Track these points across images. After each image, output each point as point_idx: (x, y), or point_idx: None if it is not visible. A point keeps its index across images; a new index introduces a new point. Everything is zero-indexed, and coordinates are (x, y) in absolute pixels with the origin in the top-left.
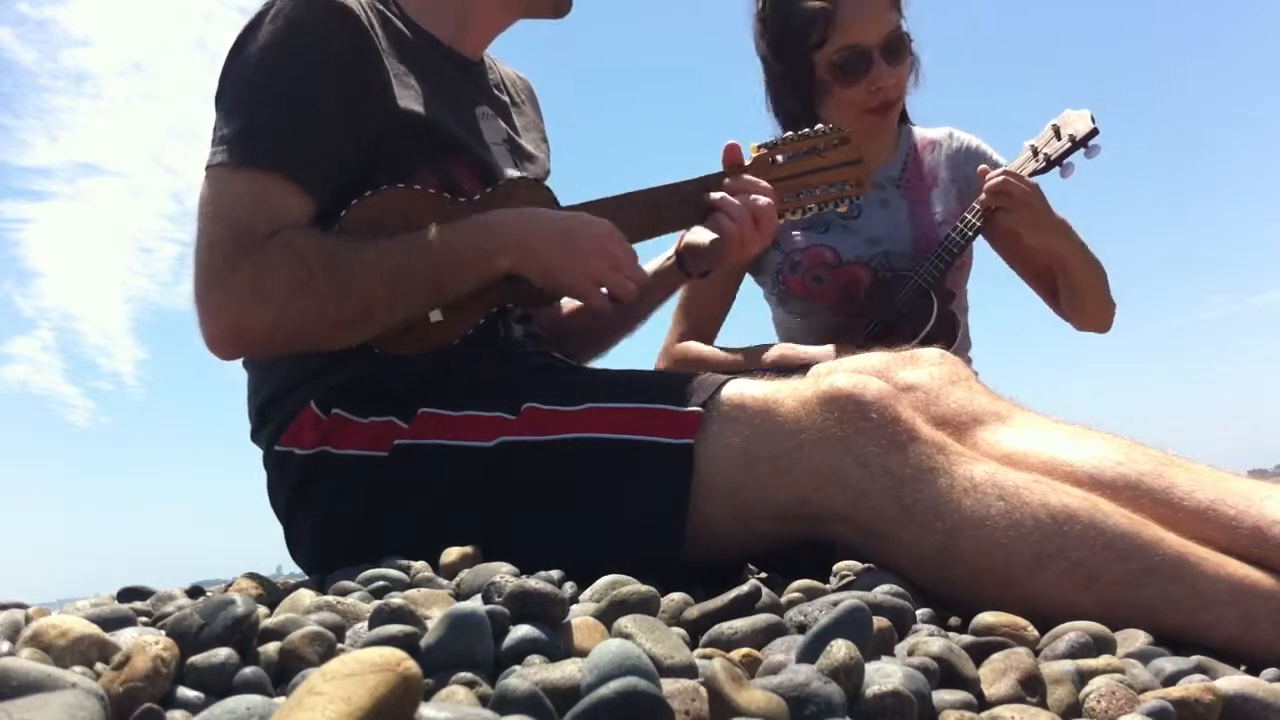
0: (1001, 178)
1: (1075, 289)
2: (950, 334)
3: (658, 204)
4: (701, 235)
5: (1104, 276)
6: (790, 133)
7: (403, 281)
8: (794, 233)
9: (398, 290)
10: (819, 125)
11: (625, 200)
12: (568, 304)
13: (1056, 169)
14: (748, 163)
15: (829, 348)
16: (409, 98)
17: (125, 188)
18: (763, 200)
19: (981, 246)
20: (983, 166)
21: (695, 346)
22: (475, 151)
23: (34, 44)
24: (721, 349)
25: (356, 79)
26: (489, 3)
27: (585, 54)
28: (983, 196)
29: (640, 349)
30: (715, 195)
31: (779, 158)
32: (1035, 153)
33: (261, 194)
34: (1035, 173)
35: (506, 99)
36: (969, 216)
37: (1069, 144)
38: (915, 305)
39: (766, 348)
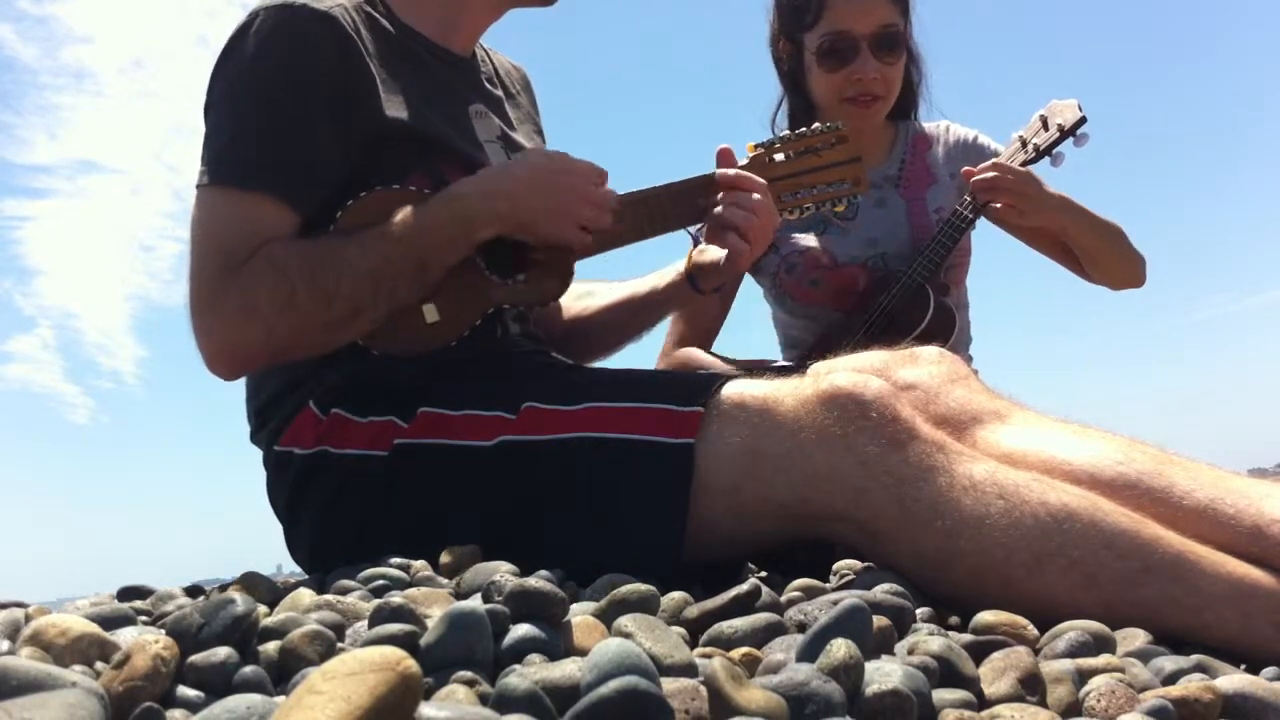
0: (990, 171)
1: (1092, 257)
2: (948, 328)
3: (653, 204)
4: (711, 253)
5: (1118, 235)
6: (787, 132)
7: (385, 276)
8: (792, 235)
9: (381, 285)
10: (815, 125)
11: (624, 200)
12: (568, 309)
13: (1046, 159)
14: (744, 163)
15: None
16: (396, 103)
17: (126, 185)
18: (756, 196)
19: (981, 243)
20: (965, 169)
21: (696, 354)
22: (466, 152)
23: (34, 41)
24: (721, 358)
25: (342, 88)
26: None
27: (586, 50)
28: (975, 192)
29: (641, 349)
30: (719, 206)
31: (776, 157)
32: (1024, 144)
33: (247, 214)
34: (1025, 163)
35: (500, 92)
36: (961, 209)
37: (1057, 133)
38: (911, 300)
39: (766, 363)
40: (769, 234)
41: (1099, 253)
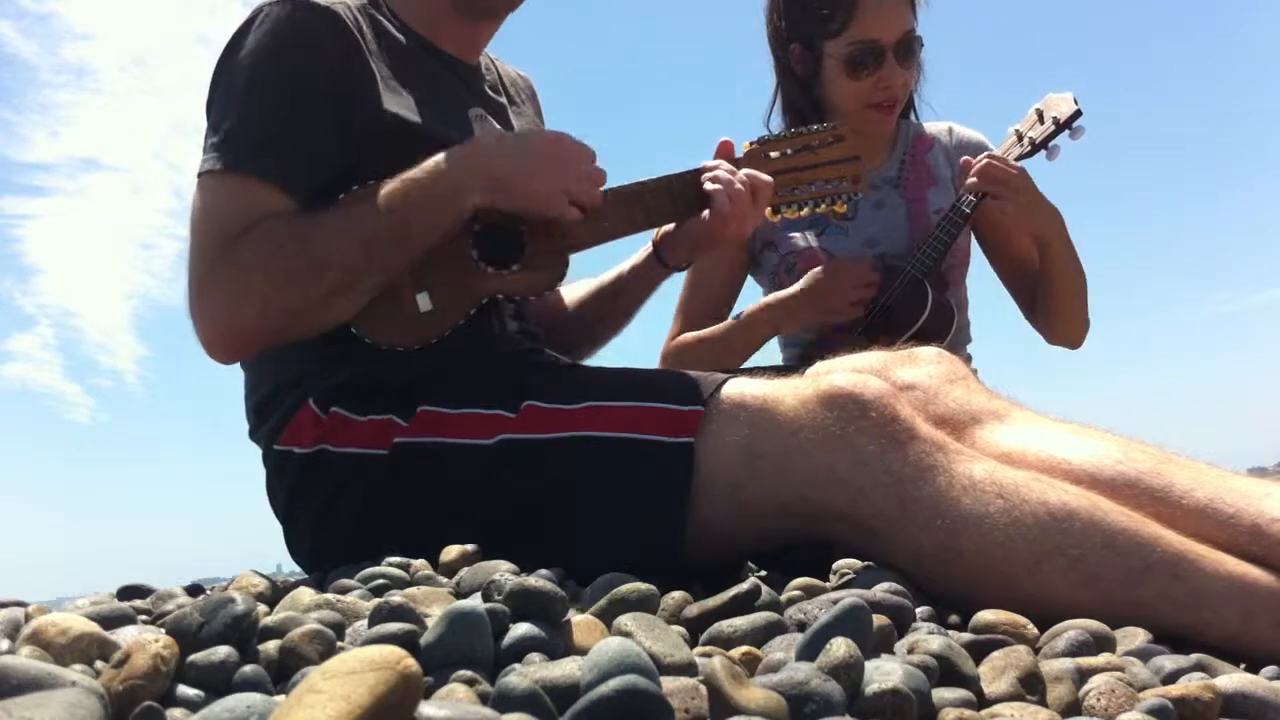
0: (986, 162)
1: (1055, 288)
2: (945, 325)
3: (650, 196)
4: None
5: (1084, 284)
6: (785, 130)
7: (376, 242)
8: (790, 235)
9: (372, 251)
10: (814, 125)
11: (618, 193)
12: (556, 300)
13: (1042, 152)
14: (740, 158)
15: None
16: (396, 102)
17: (126, 183)
18: (763, 176)
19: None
20: (965, 158)
21: (689, 334)
22: None
23: (35, 38)
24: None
25: (343, 84)
26: (450, 12)
27: (592, 53)
28: (971, 181)
29: (641, 348)
30: (709, 174)
31: (772, 154)
32: (1020, 137)
33: (245, 199)
34: (1021, 157)
35: (504, 100)
36: (959, 205)
37: (1053, 127)
38: (910, 295)
39: (758, 312)
40: (752, 208)
41: (1064, 285)
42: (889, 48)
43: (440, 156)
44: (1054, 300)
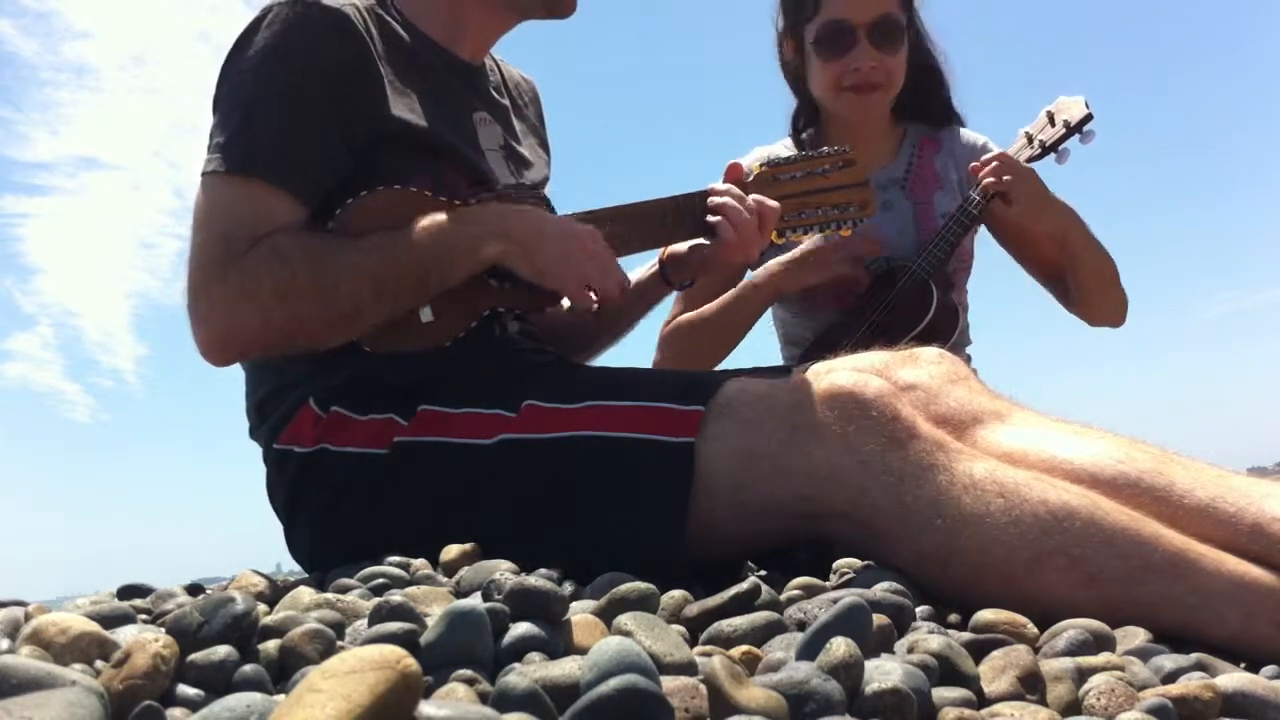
0: (995, 163)
1: (1084, 279)
2: (950, 324)
3: (656, 216)
4: (685, 245)
5: (1113, 266)
6: (793, 154)
7: (388, 279)
8: None
9: (383, 288)
10: (824, 148)
11: (623, 211)
12: (557, 308)
13: (1052, 155)
14: (749, 181)
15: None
16: (403, 104)
17: (126, 182)
18: (770, 202)
19: (984, 245)
20: (973, 164)
21: (688, 314)
22: (470, 158)
23: (35, 36)
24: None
25: (350, 86)
26: (476, 5)
27: (597, 60)
28: (989, 181)
29: (640, 350)
30: (716, 200)
31: (782, 177)
32: (1030, 139)
33: (252, 202)
34: (1031, 159)
35: (507, 103)
36: (966, 206)
37: (1064, 130)
38: (915, 295)
39: (758, 278)
40: (757, 235)
41: (1092, 274)
42: (861, 28)
43: (474, 208)
44: (1085, 291)
